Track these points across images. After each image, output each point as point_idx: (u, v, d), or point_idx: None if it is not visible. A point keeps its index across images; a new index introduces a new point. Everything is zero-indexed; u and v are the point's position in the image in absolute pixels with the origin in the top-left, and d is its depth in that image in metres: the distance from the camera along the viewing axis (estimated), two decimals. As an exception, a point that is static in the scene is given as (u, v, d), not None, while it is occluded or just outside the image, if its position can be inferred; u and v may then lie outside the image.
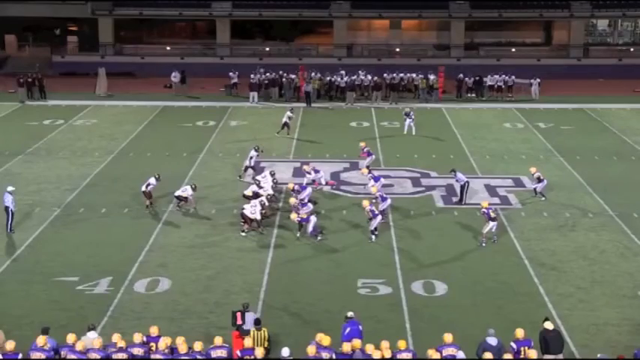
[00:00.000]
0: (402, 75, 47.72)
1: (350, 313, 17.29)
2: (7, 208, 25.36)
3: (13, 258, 23.49)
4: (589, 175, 31.45)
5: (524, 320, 18.21)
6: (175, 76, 48.65)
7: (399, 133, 38.88)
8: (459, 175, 28.47)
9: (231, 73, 48.37)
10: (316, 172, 29.88)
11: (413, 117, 38.35)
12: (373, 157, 32.04)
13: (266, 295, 21.02)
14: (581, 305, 20.57)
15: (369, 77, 47.13)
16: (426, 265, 23.04)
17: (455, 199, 28.62)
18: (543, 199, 28.72)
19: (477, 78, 47.84)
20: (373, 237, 24.89)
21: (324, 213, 27.44)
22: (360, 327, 16.93)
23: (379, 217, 25.07)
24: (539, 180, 28.88)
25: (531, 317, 18.85)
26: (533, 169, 29.32)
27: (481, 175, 31.90)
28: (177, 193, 27.52)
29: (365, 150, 31.94)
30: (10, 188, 25.83)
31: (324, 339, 16.05)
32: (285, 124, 37.40)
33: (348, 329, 16.77)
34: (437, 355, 15.64)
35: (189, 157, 34.13)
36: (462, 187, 28.42)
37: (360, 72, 47.81)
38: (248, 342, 16.20)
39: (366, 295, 21.14)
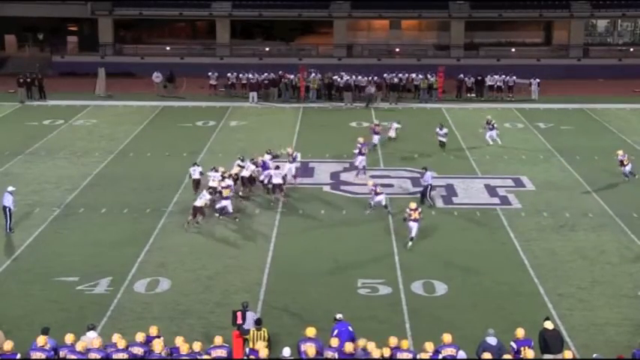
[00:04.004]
0: (401, 75, 47.65)
1: (339, 315, 17.24)
2: (5, 207, 25.36)
3: (13, 258, 23.49)
4: (589, 175, 31.45)
5: (524, 320, 18.18)
6: (158, 77, 48.68)
7: (399, 133, 38.88)
8: (427, 174, 28.25)
9: (229, 74, 48.44)
10: (265, 167, 29.30)
11: (496, 126, 36.28)
12: (364, 157, 31.76)
13: (266, 295, 21.02)
14: (581, 305, 20.57)
15: (355, 77, 46.98)
16: (426, 265, 23.04)
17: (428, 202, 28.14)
18: (637, 176, 30.37)
19: (479, 78, 47.83)
20: (367, 211, 27.15)
21: (323, 213, 27.49)
22: (350, 328, 16.86)
23: (382, 196, 27.09)
24: (623, 164, 30.23)
25: (531, 317, 18.82)
26: (620, 152, 30.87)
27: (481, 175, 31.90)
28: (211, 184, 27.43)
29: (360, 145, 31.70)
30: (10, 188, 25.84)
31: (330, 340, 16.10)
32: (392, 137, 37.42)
33: (336, 331, 16.74)
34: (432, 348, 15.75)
35: (189, 157, 34.07)
36: (425, 188, 28.22)
37: (342, 73, 47.71)
38: (260, 344, 16.17)
39: (366, 295, 21.14)
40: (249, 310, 18.20)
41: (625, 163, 30.40)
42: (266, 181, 28.84)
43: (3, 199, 25.51)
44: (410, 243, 24.45)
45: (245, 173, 28.78)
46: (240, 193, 28.62)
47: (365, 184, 28.37)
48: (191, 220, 25.93)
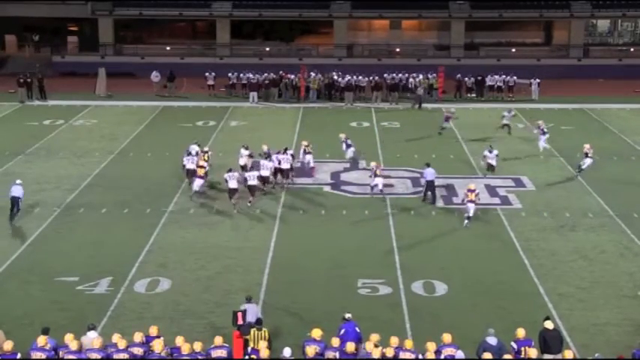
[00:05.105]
0: (401, 75, 47.64)
1: (347, 315, 17.25)
2: (14, 198, 25.99)
3: (13, 258, 23.50)
4: (589, 175, 31.43)
5: (524, 320, 18.19)
6: (157, 76, 48.71)
7: (399, 133, 38.96)
8: (426, 171, 28.47)
9: (229, 74, 48.34)
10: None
11: (546, 130, 34.97)
12: (353, 148, 33.03)
13: (266, 295, 21.02)
14: (581, 305, 20.58)
15: (356, 78, 46.97)
16: (426, 265, 23.04)
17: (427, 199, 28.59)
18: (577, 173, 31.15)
19: (479, 78, 47.84)
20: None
21: (324, 213, 27.49)
22: (358, 328, 16.85)
23: (379, 179, 28.41)
24: (587, 155, 30.65)
25: (531, 317, 18.83)
26: (587, 145, 31.20)
27: (481, 175, 31.88)
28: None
29: (344, 141, 33.15)
30: (18, 181, 26.73)
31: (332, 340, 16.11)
32: (506, 124, 38.14)
33: (342, 330, 16.75)
34: (433, 348, 15.74)
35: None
36: (426, 184, 28.45)
37: (339, 73, 47.83)
38: (262, 344, 16.17)
39: (366, 295, 21.14)
40: (253, 302, 18.34)
41: (589, 155, 30.93)
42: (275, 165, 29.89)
43: (12, 191, 26.19)
44: (466, 222, 25.99)
45: (264, 172, 28.98)
46: (265, 189, 29.32)
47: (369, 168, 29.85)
48: (252, 199, 27.88)
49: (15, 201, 26.14)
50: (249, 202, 27.90)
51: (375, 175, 28.64)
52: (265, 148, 30.64)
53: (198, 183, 28.45)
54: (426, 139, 37.56)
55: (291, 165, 30.31)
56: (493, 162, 31.10)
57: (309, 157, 31.66)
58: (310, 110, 44.38)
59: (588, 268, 22.98)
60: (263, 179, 28.90)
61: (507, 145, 36.41)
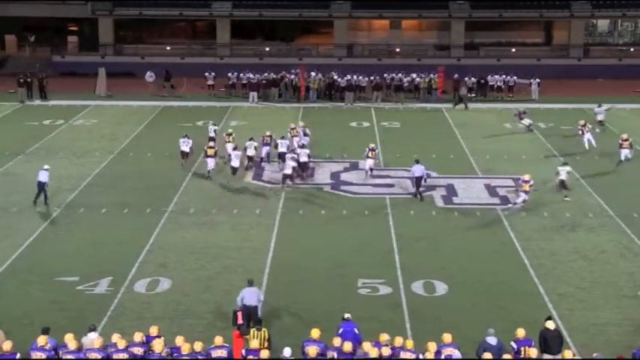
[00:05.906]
0: (400, 75, 47.62)
1: (347, 315, 17.26)
2: (40, 183, 27.11)
3: (13, 258, 23.50)
4: (589, 175, 31.44)
5: (524, 320, 18.19)
6: (151, 76, 48.72)
7: (399, 133, 38.92)
8: (414, 167, 28.73)
9: (229, 74, 48.33)
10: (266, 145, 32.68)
11: (590, 129, 35.52)
12: (307, 139, 33.61)
13: (266, 295, 20.96)
14: (581, 305, 20.58)
15: (357, 77, 46.96)
16: (426, 265, 23.04)
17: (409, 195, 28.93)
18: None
19: (482, 81, 47.78)
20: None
21: (324, 213, 27.49)
22: (356, 329, 16.83)
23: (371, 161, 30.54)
24: (621, 146, 31.93)
25: (531, 317, 18.84)
26: (624, 136, 32.48)
27: (481, 175, 31.90)
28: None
29: (302, 129, 34.23)
30: (46, 166, 27.79)
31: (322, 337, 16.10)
32: (601, 121, 39.30)
33: (341, 330, 16.75)
34: (434, 348, 15.74)
35: (189, 156, 34.07)
36: (415, 181, 28.76)
37: (333, 72, 47.86)
38: (254, 343, 16.20)
39: (366, 295, 21.14)
40: (254, 286, 18.67)
41: (624, 146, 31.94)
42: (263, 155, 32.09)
43: (38, 176, 27.35)
44: (510, 205, 27.72)
45: (287, 171, 29.79)
46: (290, 183, 30.05)
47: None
48: (281, 186, 29.60)
49: (41, 186, 27.22)
50: (278, 190, 29.48)
51: (367, 157, 30.40)
52: (268, 133, 33.05)
53: (210, 163, 30.53)
54: (426, 139, 37.52)
55: (309, 157, 31.35)
56: (564, 177, 28.80)
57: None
58: (310, 110, 44.38)
59: (588, 268, 22.98)
60: (294, 169, 30.09)
61: (508, 145, 36.46)
